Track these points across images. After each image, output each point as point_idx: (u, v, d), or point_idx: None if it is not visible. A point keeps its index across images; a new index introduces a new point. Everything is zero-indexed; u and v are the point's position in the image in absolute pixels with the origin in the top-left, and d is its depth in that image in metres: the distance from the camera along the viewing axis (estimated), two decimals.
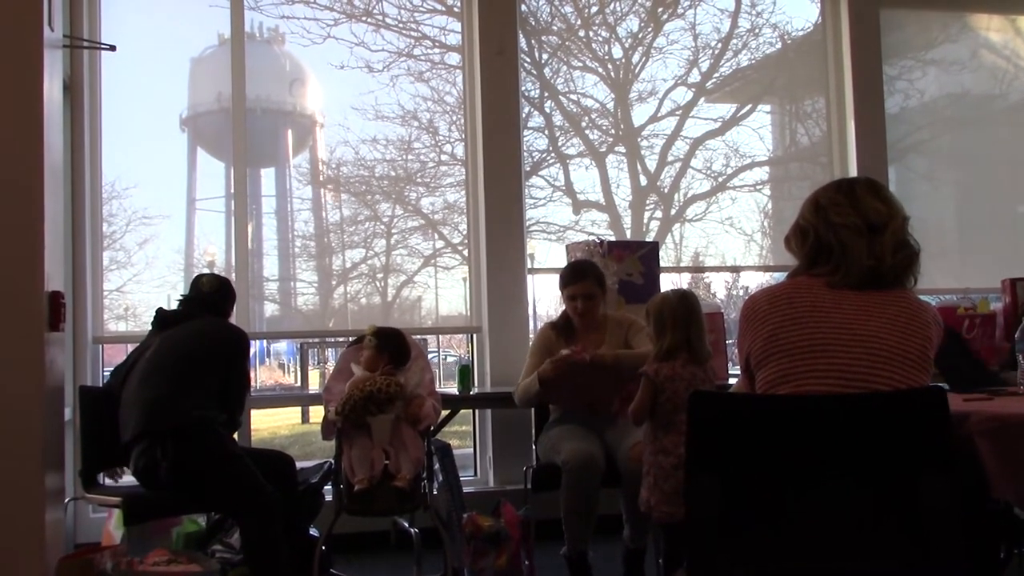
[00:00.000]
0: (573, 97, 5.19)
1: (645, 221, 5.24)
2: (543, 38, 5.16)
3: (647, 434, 2.92)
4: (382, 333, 3.58)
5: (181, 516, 3.65)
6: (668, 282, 4.81)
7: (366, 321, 3.68)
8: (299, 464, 3.59)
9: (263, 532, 3.07)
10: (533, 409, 3.90)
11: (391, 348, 3.54)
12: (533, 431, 4.00)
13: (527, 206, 4.94)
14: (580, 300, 3.60)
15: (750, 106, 5.41)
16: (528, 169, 5.00)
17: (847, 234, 2.07)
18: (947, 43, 5.62)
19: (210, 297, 3.52)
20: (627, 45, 5.28)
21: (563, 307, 3.74)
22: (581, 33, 5.23)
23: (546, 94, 5.13)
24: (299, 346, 5.13)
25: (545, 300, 5.17)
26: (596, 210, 5.19)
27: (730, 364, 4.37)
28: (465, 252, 4.95)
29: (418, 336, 4.17)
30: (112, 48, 4.31)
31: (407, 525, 3.87)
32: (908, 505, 1.79)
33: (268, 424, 10.48)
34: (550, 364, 3.41)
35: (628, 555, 3.41)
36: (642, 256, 4.35)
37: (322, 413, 3.54)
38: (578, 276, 3.64)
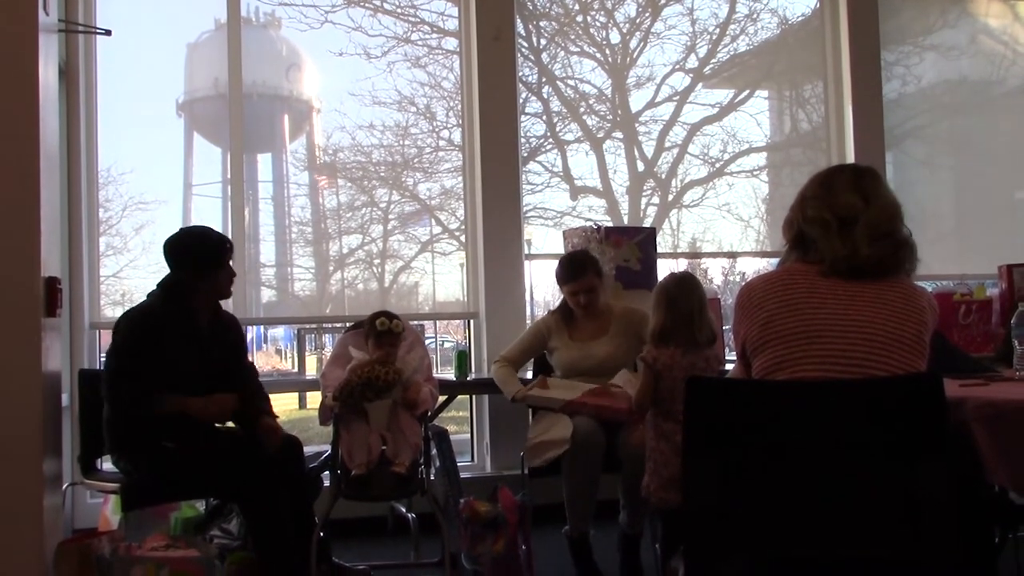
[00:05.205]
0: (571, 82, 5.17)
1: (642, 207, 5.24)
2: (541, 23, 5.14)
3: (649, 420, 2.92)
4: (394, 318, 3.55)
5: (179, 502, 3.65)
6: (665, 268, 4.81)
7: (363, 307, 3.67)
8: None
9: (260, 514, 3.07)
10: None
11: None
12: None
13: (524, 192, 4.94)
14: (583, 295, 3.62)
15: (748, 92, 5.40)
16: (525, 155, 4.99)
17: (816, 229, 2.10)
18: (945, 29, 5.61)
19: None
20: (625, 30, 5.26)
21: (562, 295, 3.76)
22: (579, 18, 5.20)
23: (544, 79, 5.11)
24: (296, 332, 5.12)
25: (542, 286, 5.17)
26: (593, 196, 5.18)
27: (727, 350, 4.37)
28: (462, 238, 4.95)
29: (415, 322, 4.16)
30: (108, 33, 4.29)
31: (404, 510, 3.88)
32: (905, 490, 1.80)
33: None
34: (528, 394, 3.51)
35: (624, 540, 3.42)
36: (639, 242, 4.35)
37: (319, 399, 3.54)
38: (578, 272, 3.64)
